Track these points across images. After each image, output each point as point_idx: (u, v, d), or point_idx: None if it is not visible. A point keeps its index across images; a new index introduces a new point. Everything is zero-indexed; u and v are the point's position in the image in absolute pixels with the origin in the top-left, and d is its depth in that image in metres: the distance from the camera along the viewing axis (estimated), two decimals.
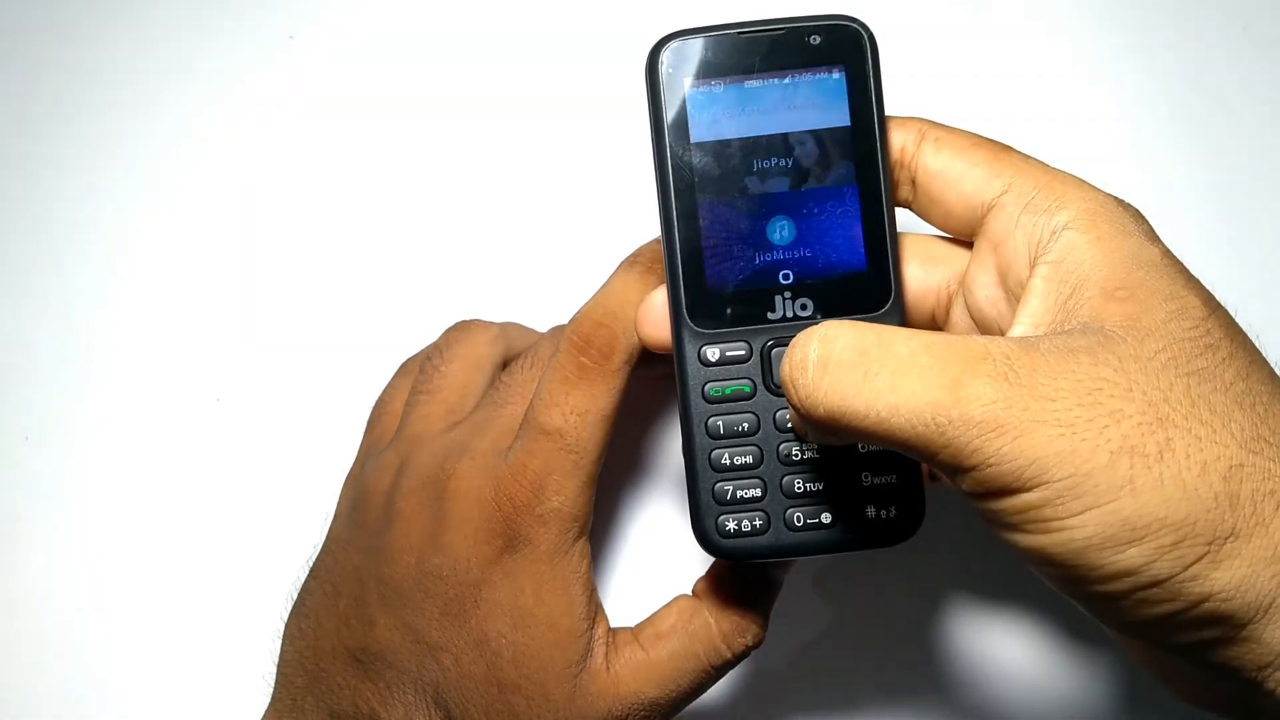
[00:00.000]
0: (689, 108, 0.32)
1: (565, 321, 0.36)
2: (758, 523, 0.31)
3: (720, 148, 0.32)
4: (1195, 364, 0.26)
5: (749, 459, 0.32)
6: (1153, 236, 0.29)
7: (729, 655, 0.34)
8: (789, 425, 0.32)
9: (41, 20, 0.48)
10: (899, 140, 0.32)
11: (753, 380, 0.32)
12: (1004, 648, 0.42)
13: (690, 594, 0.35)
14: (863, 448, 0.32)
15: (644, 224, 0.39)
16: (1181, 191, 0.45)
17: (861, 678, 0.43)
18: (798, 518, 0.31)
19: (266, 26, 0.47)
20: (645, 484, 0.43)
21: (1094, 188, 0.30)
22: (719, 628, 0.34)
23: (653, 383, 0.42)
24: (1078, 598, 0.26)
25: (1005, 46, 0.46)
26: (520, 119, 0.46)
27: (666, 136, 0.32)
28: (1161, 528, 0.24)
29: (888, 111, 0.32)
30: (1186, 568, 0.24)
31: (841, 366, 0.26)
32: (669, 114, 0.32)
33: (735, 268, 0.32)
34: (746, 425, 0.32)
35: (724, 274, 0.32)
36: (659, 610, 0.35)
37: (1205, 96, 0.46)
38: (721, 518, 0.31)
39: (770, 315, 0.32)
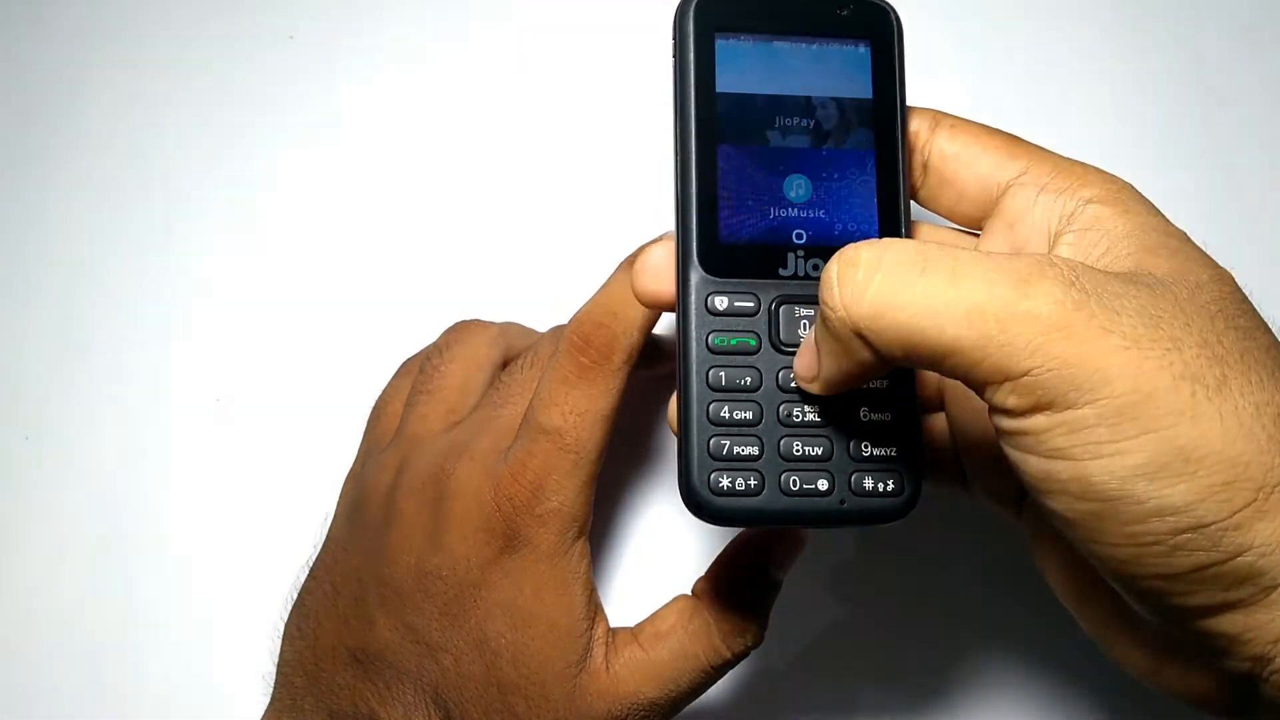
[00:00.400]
0: (717, 58, 0.32)
1: (565, 321, 0.36)
2: (752, 482, 0.30)
3: (744, 100, 0.32)
4: (1238, 321, 0.26)
5: (749, 414, 0.30)
6: (1171, 222, 0.29)
7: (728, 655, 0.34)
8: (793, 385, 0.30)
9: (39, 20, 0.48)
10: (913, 126, 0.32)
11: (758, 335, 0.31)
12: (1004, 649, 0.42)
13: (690, 594, 0.35)
14: (865, 415, 0.31)
15: (645, 224, 0.39)
16: (1181, 191, 0.45)
17: (862, 678, 0.43)
18: (794, 481, 0.30)
19: (266, 26, 0.47)
20: (645, 484, 0.43)
21: (1111, 174, 0.30)
22: (718, 628, 0.34)
23: (653, 383, 0.42)
24: (1104, 544, 0.25)
25: (1004, 46, 0.46)
26: (521, 118, 0.46)
27: (691, 83, 0.31)
28: (1217, 462, 0.23)
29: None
30: (1233, 514, 0.23)
31: (898, 264, 0.25)
32: (695, 62, 0.31)
33: (750, 220, 0.31)
34: (749, 380, 0.31)
35: (738, 225, 0.31)
36: (658, 610, 0.35)
37: (1205, 96, 0.46)
38: (714, 474, 0.30)
39: (782, 271, 0.31)
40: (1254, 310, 0.27)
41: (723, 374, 0.31)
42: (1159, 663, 0.29)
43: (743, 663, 0.35)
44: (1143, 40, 0.46)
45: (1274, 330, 0.28)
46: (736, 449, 0.30)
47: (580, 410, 0.33)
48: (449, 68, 0.46)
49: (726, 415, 0.30)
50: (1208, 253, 0.28)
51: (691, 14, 0.32)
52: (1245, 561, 0.24)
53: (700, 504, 0.30)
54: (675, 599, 0.35)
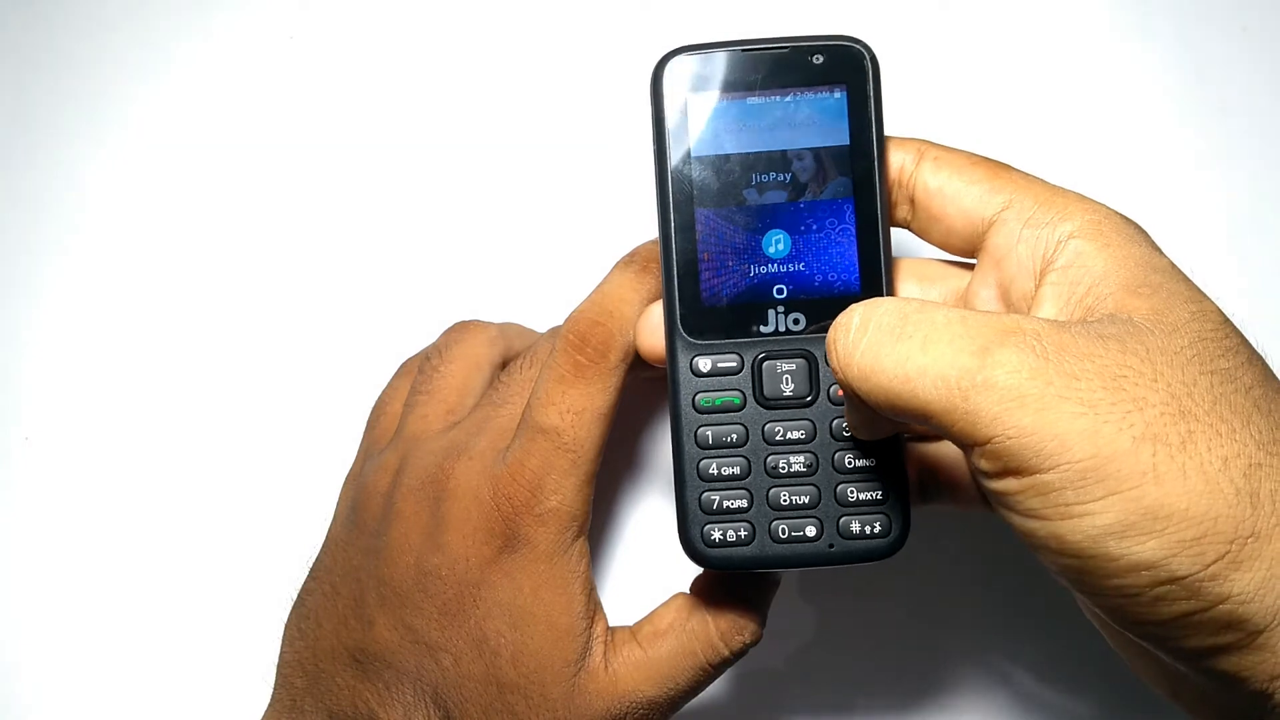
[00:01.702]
0: (691, 121, 0.32)
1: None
2: (743, 533, 0.32)
3: (720, 162, 0.32)
4: (1218, 364, 0.26)
5: (736, 470, 0.32)
6: (1158, 248, 0.29)
7: (726, 653, 0.34)
8: (777, 437, 0.32)
9: (36, 17, 0.48)
10: (898, 160, 0.32)
11: (743, 392, 0.32)
12: (1003, 648, 0.42)
13: (688, 592, 0.35)
14: (850, 462, 0.32)
15: (642, 225, 0.39)
16: (1181, 193, 0.45)
17: (860, 677, 0.42)
18: (782, 530, 0.32)
19: (266, 26, 0.47)
20: (644, 483, 0.43)
21: (1095, 201, 0.30)
22: (716, 626, 0.34)
23: (650, 383, 0.42)
24: (1092, 594, 0.26)
25: (1002, 49, 0.46)
26: (520, 119, 0.46)
27: (668, 149, 0.32)
28: (1183, 520, 0.24)
29: (888, 130, 0.32)
30: (1206, 566, 0.24)
31: (880, 328, 0.26)
32: (671, 127, 0.32)
33: (730, 280, 0.32)
34: (735, 436, 0.32)
35: (718, 286, 0.32)
36: (657, 609, 0.35)
37: (1205, 97, 0.46)
38: (707, 527, 0.32)
39: (763, 329, 0.32)
40: (1240, 346, 0.27)
41: (709, 432, 0.32)
42: (1176, 685, 0.29)
43: (742, 661, 0.35)
44: (1143, 41, 0.46)
45: (1260, 350, 0.28)
46: (726, 503, 0.32)
47: (577, 409, 0.33)
48: (449, 67, 0.46)
49: (715, 471, 0.32)
50: (1194, 283, 0.28)
51: (665, 78, 0.32)
52: (1226, 609, 0.24)
53: (696, 554, 0.32)
54: (673, 597, 0.35)
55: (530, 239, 0.45)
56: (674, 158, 0.32)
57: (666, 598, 0.35)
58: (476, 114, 0.46)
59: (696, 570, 0.35)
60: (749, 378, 0.32)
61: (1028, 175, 0.31)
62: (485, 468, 0.34)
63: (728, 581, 0.34)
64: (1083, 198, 0.30)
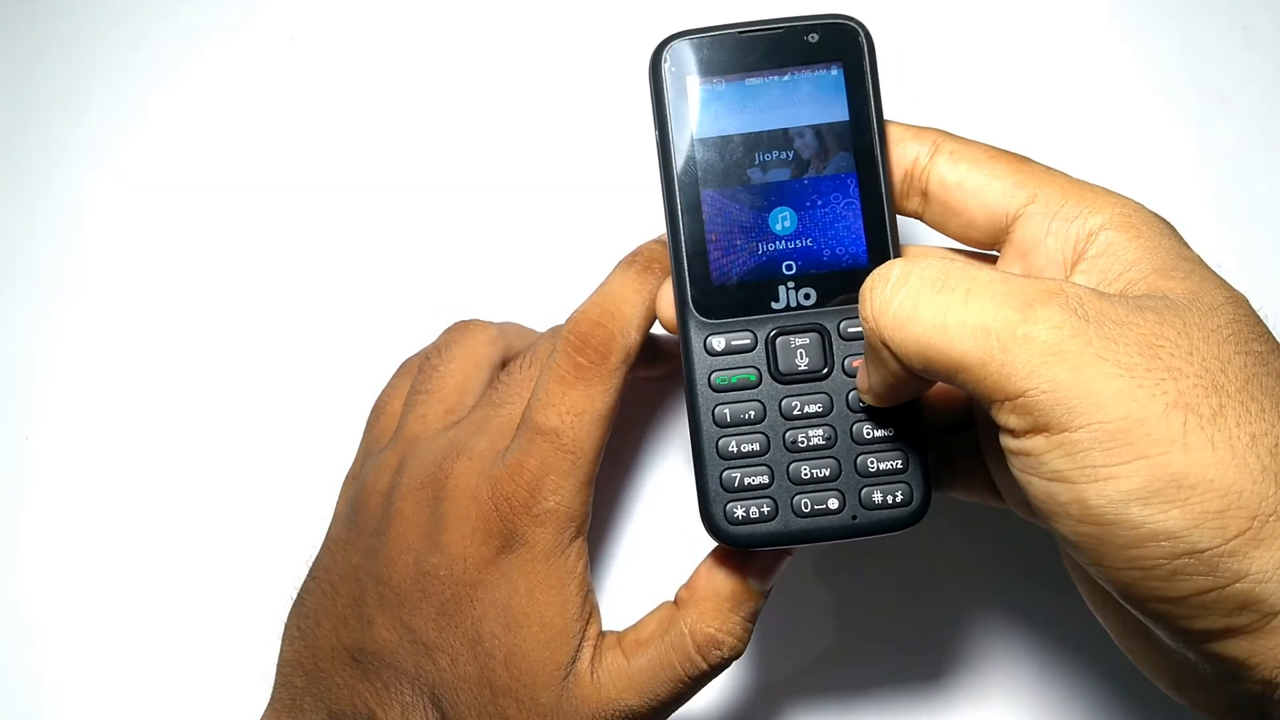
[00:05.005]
0: (692, 105, 0.32)
1: (564, 321, 0.36)
2: (765, 509, 0.32)
3: (723, 143, 0.32)
4: (1251, 346, 0.26)
5: (755, 446, 0.32)
6: (1185, 243, 0.30)
7: (704, 667, 0.33)
8: (794, 412, 0.32)
9: (38, 19, 0.48)
10: (912, 151, 0.32)
11: (758, 369, 0.32)
12: (1004, 653, 0.42)
13: (672, 601, 0.35)
14: (869, 433, 0.32)
15: (643, 223, 0.39)
16: (1181, 193, 0.45)
17: (858, 687, 0.42)
18: (805, 504, 0.32)
19: (267, 26, 0.47)
20: (644, 484, 0.43)
21: (1123, 195, 0.30)
22: (694, 639, 0.33)
23: (650, 384, 0.42)
24: (1108, 567, 0.25)
25: (1003, 49, 0.46)
26: (520, 119, 0.46)
27: (670, 132, 0.32)
28: (1208, 490, 0.24)
29: (888, 111, 0.33)
30: (1227, 541, 0.24)
31: (921, 279, 0.26)
32: (672, 111, 0.32)
33: (739, 259, 0.32)
34: (752, 413, 0.32)
35: (728, 266, 0.32)
36: (643, 618, 0.34)
37: (1205, 96, 0.46)
38: (729, 505, 0.32)
39: (774, 305, 0.32)
40: (1269, 334, 0.27)
41: (727, 410, 0.32)
42: (1180, 677, 0.29)
43: (746, 672, 0.34)
44: (1143, 40, 0.46)
45: None
46: (747, 480, 0.32)
47: (577, 410, 0.33)
48: (449, 66, 0.46)
49: (735, 449, 0.32)
50: (1221, 275, 0.28)
51: (664, 64, 0.32)
52: (1243, 588, 0.24)
53: (720, 533, 0.32)
54: (659, 606, 0.35)
55: (530, 238, 0.45)
56: (676, 141, 0.32)
57: (661, 601, 0.35)
58: (476, 114, 0.46)
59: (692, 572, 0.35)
60: (763, 354, 0.32)
61: (1050, 169, 0.31)
62: (484, 468, 0.34)
63: (710, 593, 0.34)
64: (1110, 191, 0.30)
